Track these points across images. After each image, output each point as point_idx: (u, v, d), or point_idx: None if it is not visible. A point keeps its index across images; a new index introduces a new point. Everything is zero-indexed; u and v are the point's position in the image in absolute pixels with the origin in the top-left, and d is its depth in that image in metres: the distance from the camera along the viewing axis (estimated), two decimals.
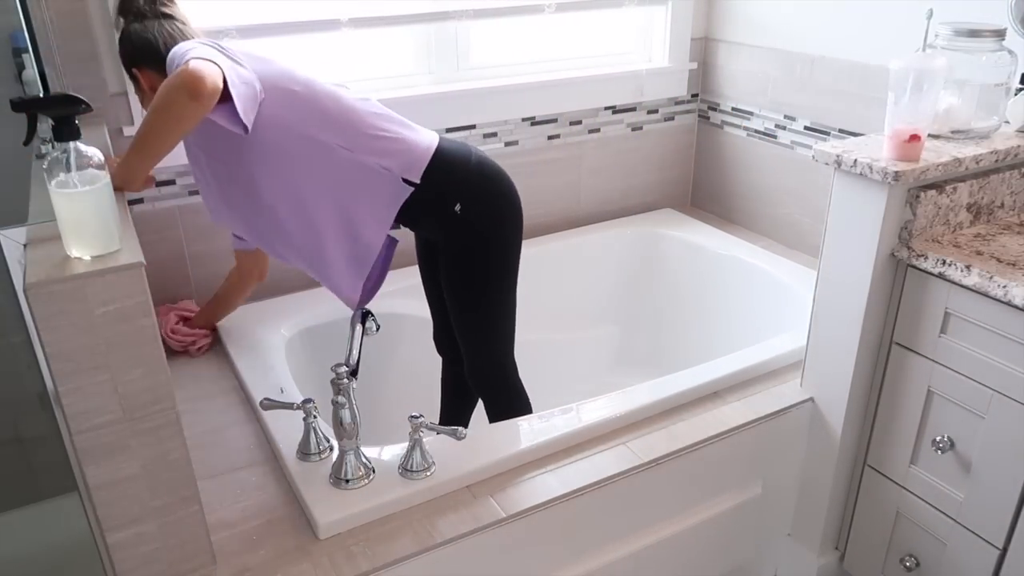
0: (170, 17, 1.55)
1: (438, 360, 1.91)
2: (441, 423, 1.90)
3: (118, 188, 1.26)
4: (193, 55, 1.33)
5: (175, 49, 1.42)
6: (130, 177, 1.39)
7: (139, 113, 1.84)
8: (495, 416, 1.73)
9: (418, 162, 1.51)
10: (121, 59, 1.57)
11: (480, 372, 1.71)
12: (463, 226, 1.56)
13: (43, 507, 1.80)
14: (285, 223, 1.54)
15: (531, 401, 1.76)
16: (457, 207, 1.54)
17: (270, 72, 1.46)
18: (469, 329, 1.67)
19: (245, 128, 1.38)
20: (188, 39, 1.51)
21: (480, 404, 1.80)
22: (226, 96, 1.34)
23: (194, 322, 1.88)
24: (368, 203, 1.52)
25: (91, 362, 1.04)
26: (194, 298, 2.04)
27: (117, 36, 1.59)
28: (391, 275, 2.21)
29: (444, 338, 1.84)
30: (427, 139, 1.55)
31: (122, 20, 1.57)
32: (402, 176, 1.51)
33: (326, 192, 1.50)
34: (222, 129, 1.40)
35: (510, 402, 1.72)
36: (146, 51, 1.52)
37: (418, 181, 1.51)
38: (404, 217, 1.56)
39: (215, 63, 1.33)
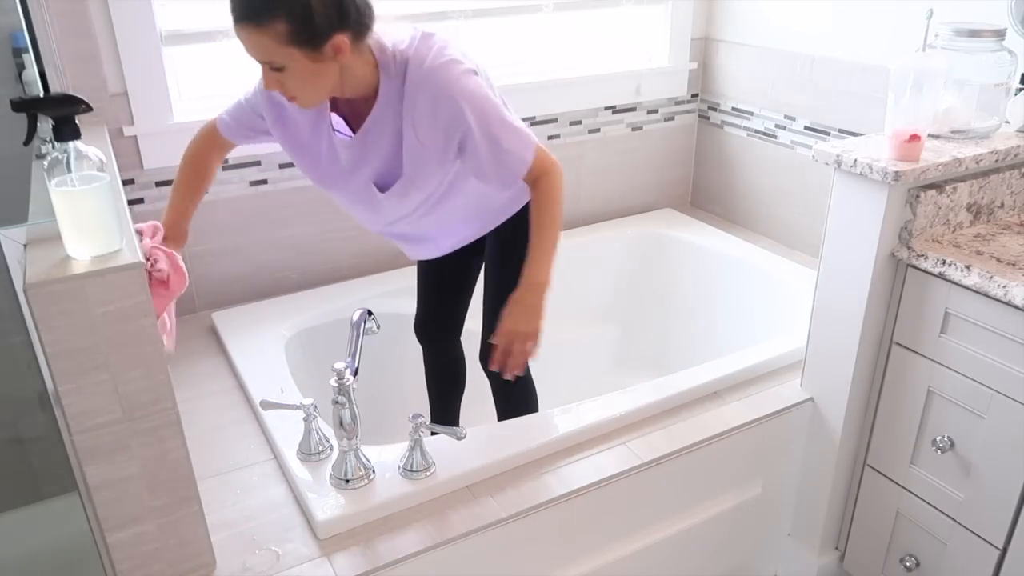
0: None
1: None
2: (432, 414, 1.90)
3: (541, 290, 1.39)
4: (463, 85, 1.32)
5: (440, 48, 1.34)
6: (551, 273, 1.42)
7: (140, 113, 1.84)
8: (503, 403, 1.72)
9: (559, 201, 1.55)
10: (323, 15, 1.20)
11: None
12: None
13: (43, 507, 1.80)
14: (445, 207, 1.53)
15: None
16: None
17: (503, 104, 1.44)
18: (505, 296, 1.66)
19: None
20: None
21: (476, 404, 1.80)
22: None
23: (177, 222, 1.50)
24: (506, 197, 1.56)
25: (91, 362, 1.04)
26: (194, 297, 2.04)
27: None
28: (392, 275, 2.21)
29: (435, 322, 1.82)
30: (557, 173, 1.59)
31: None
32: None
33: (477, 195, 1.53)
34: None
35: (521, 392, 1.72)
36: (364, 13, 1.27)
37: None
38: None
39: (532, 136, 1.39)
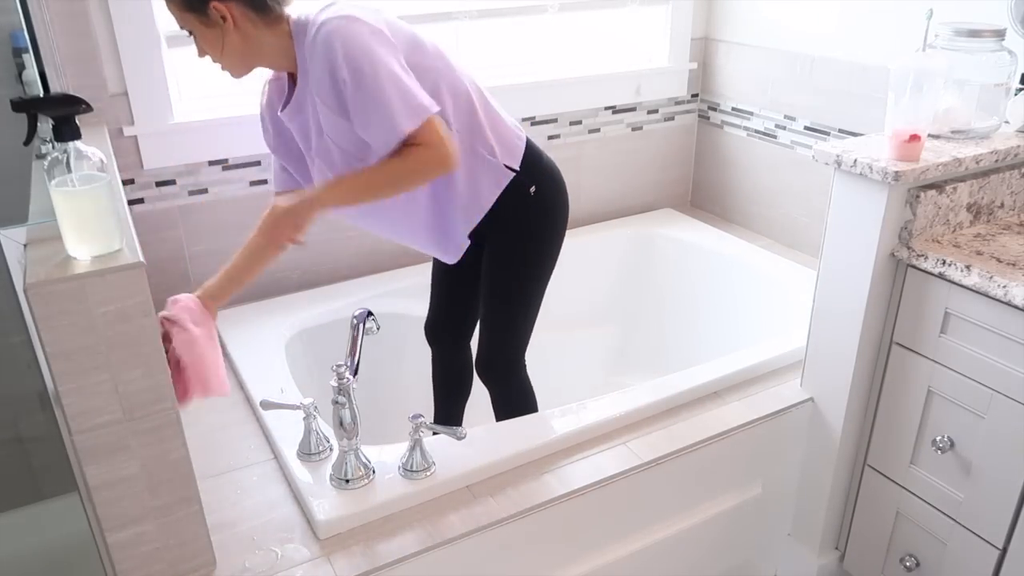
0: None
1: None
2: (436, 416, 1.90)
3: (309, 204, 1.33)
4: (357, 46, 1.30)
5: (337, 7, 1.35)
6: (331, 203, 1.36)
7: (140, 113, 1.84)
8: (502, 411, 1.73)
9: (517, 149, 1.55)
10: None
11: (494, 360, 1.70)
12: (533, 207, 1.59)
13: (43, 507, 1.80)
14: (402, 205, 1.52)
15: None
16: (533, 188, 1.57)
17: (418, 64, 1.42)
18: (500, 315, 1.66)
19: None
20: None
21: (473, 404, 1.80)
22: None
23: (215, 293, 1.45)
24: (477, 189, 1.53)
25: (91, 362, 1.04)
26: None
27: None
28: (392, 275, 2.21)
29: (444, 325, 1.82)
30: (518, 125, 1.59)
31: None
32: (504, 163, 1.53)
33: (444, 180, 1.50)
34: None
35: (518, 397, 1.72)
36: None
37: (518, 168, 1.54)
38: None
39: (423, 104, 1.33)
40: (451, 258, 1.61)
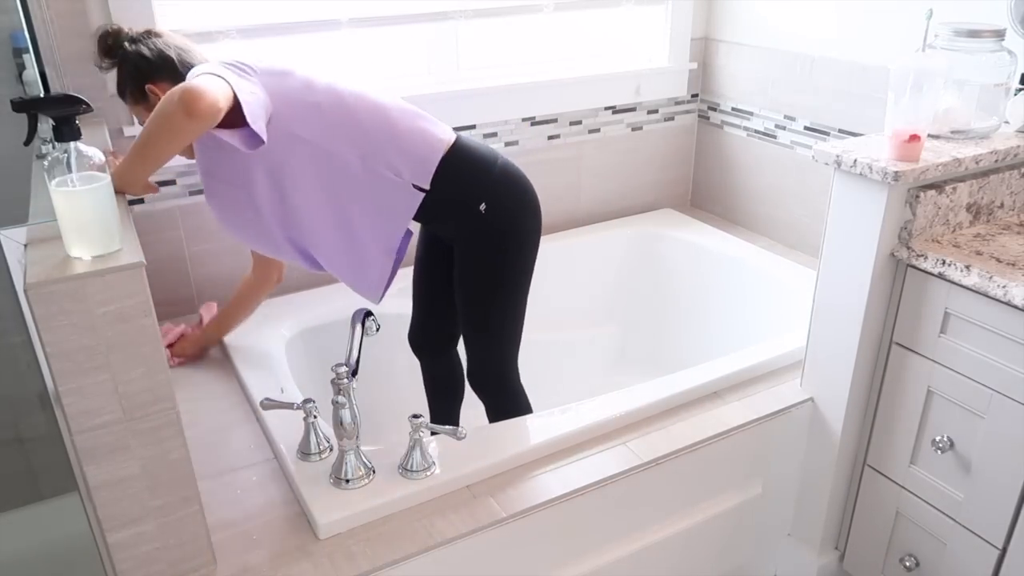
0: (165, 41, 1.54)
1: None
2: (432, 420, 1.90)
3: (117, 190, 1.24)
4: (204, 70, 1.34)
5: (196, 69, 1.40)
6: (128, 180, 1.36)
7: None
8: (495, 418, 1.73)
9: (428, 165, 1.49)
10: (128, 80, 1.53)
11: (482, 374, 1.71)
12: (486, 226, 1.55)
13: (43, 507, 1.80)
14: (305, 233, 1.53)
15: (531, 402, 1.76)
16: (482, 206, 1.53)
17: (290, 87, 1.45)
18: (478, 330, 1.66)
19: (261, 141, 1.37)
20: (198, 58, 1.54)
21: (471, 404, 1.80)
22: (238, 117, 1.34)
23: (204, 337, 1.86)
24: (381, 213, 1.50)
25: (91, 362, 1.04)
26: (194, 297, 2.04)
27: (108, 68, 1.55)
28: None
29: (424, 336, 1.82)
30: (443, 137, 1.52)
31: (117, 50, 1.53)
32: (413, 183, 1.48)
33: (343, 204, 1.49)
34: (236, 152, 1.41)
35: (510, 405, 1.72)
36: (165, 64, 1.51)
37: (427, 187, 1.49)
38: (424, 216, 1.54)
39: (223, 79, 1.33)
40: (373, 295, 1.57)
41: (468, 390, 1.90)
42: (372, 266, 1.54)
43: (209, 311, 1.94)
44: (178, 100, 1.28)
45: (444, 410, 1.90)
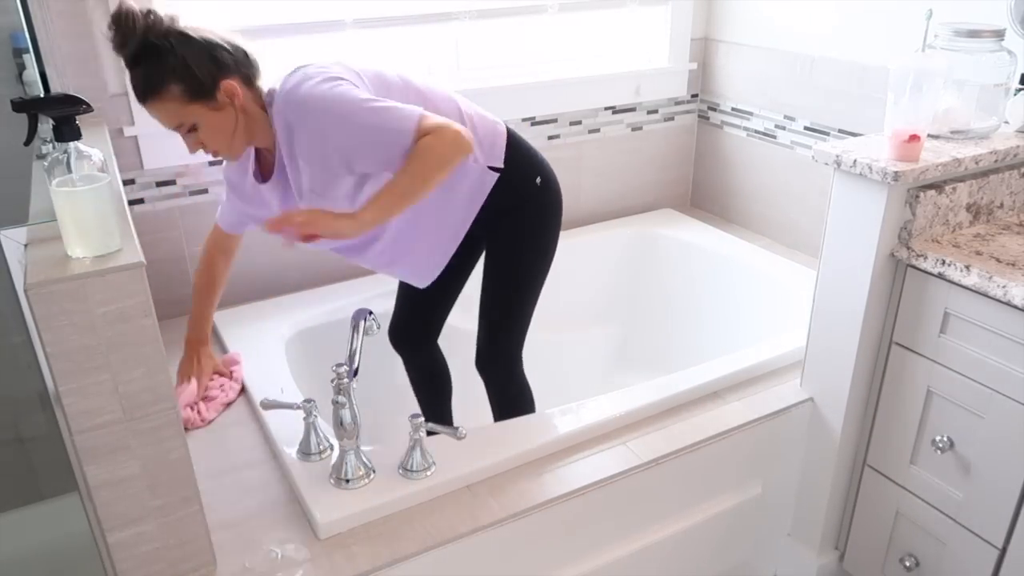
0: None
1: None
2: (425, 418, 1.90)
3: (356, 223, 1.32)
4: (330, 80, 1.36)
5: (303, 72, 1.38)
6: (378, 220, 1.35)
7: (140, 113, 1.84)
8: (500, 407, 1.73)
9: (498, 147, 1.55)
10: (186, 71, 1.31)
11: (497, 357, 1.70)
12: (542, 198, 1.61)
13: (43, 507, 1.80)
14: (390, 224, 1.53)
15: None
16: (538, 180, 1.59)
17: (393, 85, 1.47)
18: (507, 306, 1.66)
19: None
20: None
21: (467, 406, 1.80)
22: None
23: (196, 335, 1.72)
24: (456, 198, 1.53)
25: (91, 362, 1.04)
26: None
27: (136, 55, 1.31)
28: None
29: (408, 330, 1.81)
30: (498, 120, 1.59)
31: (153, 41, 1.30)
32: (488, 164, 1.53)
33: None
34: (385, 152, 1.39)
35: (515, 390, 1.73)
36: (242, 62, 1.38)
37: (502, 166, 1.54)
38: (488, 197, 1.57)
39: (413, 110, 1.36)
40: (425, 280, 1.62)
41: (459, 387, 1.90)
42: (436, 251, 1.58)
43: (236, 364, 1.77)
44: (453, 143, 1.33)
45: (435, 403, 1.89)
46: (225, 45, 1.36)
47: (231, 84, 1.35)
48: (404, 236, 1.56)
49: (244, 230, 1.68)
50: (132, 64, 1.32)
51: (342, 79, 1.38)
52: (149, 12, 1.31)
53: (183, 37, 1.33)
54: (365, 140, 1.36)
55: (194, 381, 1.65)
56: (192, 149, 1.41)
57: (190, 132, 1.37)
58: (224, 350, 1.86)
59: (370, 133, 1.35)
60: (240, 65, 1.38)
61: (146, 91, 1.33)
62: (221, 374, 1.72)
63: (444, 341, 1.88)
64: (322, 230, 1.31)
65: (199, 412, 1.61)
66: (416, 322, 1.82)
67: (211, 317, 1.74)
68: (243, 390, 1.71)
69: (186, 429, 1.52)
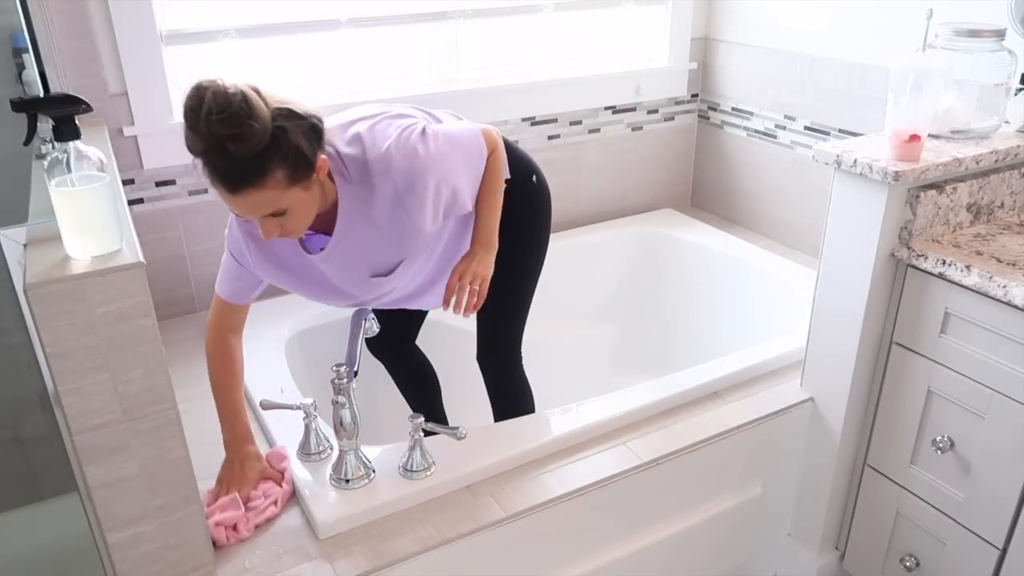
0: None
1: (439, 359, 1.90)
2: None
3: (490, 249, 1.45)
4: (413, 130, 1.36)
5: (365, 145, 1.32)
6: (493, 242, 1.46)
7: (140, 113, 1.84)
8: (501, 403, 1.73)
9: (504, 158, 1.54)
10: (297, 154, 1.17)
11: (496, 351, 1.70)
12: (536, 196, 1.63)
13: (43, 507, 1.80)
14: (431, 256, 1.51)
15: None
16: (534, 178, 1.62)
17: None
18: (505, 302, 1.65)
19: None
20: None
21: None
22: None
23: (233, 433, 1.43)
24: (471, 216, 1.51)
25: (91, 362, 1.04)
26: (194, 297, 2.04)
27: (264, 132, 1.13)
28: None
29: (385, 337, 1.77)
30: (495, 130, 1.58)
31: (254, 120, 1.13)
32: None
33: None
34: None
35: (516, 385, 1.73)
36: (322, 130, 1.25)
37: (509, 176, 1.52)
38: None
39: (476, 129, 1.44)
40: (436, 304, 1.58)
41: (456, 386, 1.90)
42: (440, 277, 1.55)
43: (285, 460, 1.46)
44: (501, 151, 1.45)
45: (424, 402, 1.88)
46: (314, 114, 1.22)
47: (324, 159, 1.23)
48: (449, 264, 1.53)
49: (253, 298, 1.46)
50: (216, 149, 1.12)
51: (423, 131, 1.36)
52: (241, 92, 1.12)
53: (286, 112, 1.17)
54: (472, 176, 1.42)
55: (234, 492, 1.36)
56: (271, 235, 1.23)
57: (274, 216, 1.21)
58: None
59: (471, 168, 1.42)
60: (320, 129, 1.23)
61: (243, 179, 1.14)
62: (269, 477, 1.41)
63: (442, 341, 1.88)
64: (488, 276, 1.44)
65: (236, 530, 1.31)
66: (394, 327, 1.79)
67: (243, 408, 1.44)
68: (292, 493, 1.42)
69: (215, 546, 1.28)
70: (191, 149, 1.15)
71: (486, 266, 1.44)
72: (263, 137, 1.12)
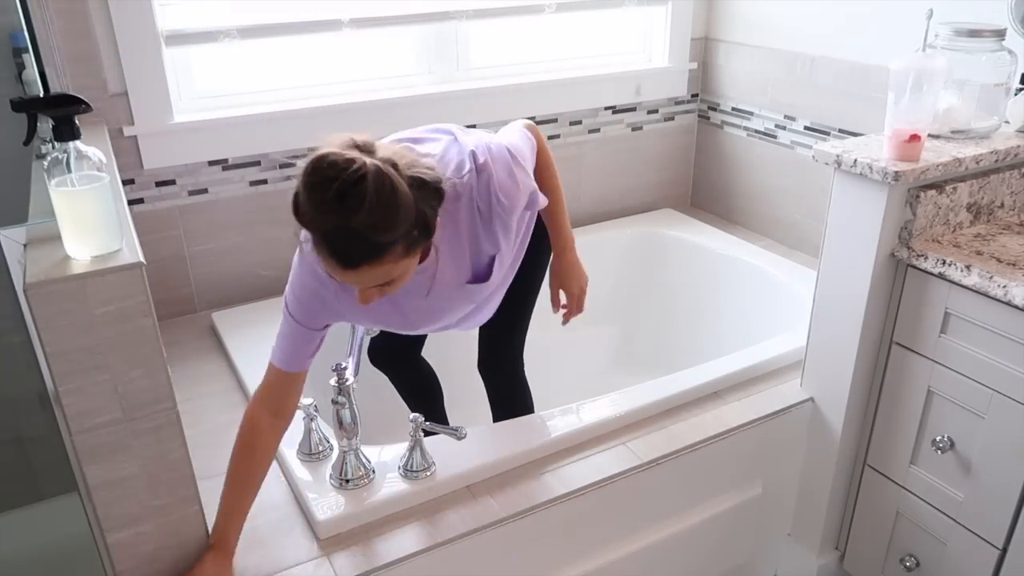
0: None
1: (439, 358, 1.90)
2: None
3: (573, 248, 1.57)
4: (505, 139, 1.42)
5: (446, 156, 1.27)
6: (572, 237, 1.56)
7: (140, 113, 1.84)
8: (501, 408, 1.73)
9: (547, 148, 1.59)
10: (431, 208, 1.09)
11: (500, 358, 1.70)
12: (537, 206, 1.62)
13: (43, 507, 1.80)
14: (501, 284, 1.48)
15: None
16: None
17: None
18: (506, 311, 1.62)
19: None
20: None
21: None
22: None
23: (220, 537, 1.24)
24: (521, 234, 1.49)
25: (91, 362, 1.04)
26: (194, 297, 2.04)
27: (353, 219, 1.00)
28: None
29: (393, 350, 1.76)
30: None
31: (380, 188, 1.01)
32: None
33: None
34: None
35: (519, 388, 1.72)
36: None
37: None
38: None
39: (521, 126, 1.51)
40: (480, 323, 1.55)
41: (457, 387, 1.90)
42: (500, 292, 1.48)
43: None
44: (541, 137, 1.51)
45: (427, 408, 1.87)
46: (436, 174, 1.11)
47: (439, 221, 1.12)
48: (522, 252, 1.50)
49: (310, 362, 1.34)
50: (344, 230, 1.00)
51: (518, 164, 1.36)
52: (381, 173, 1.00)
53: (418, 182, 1.06)
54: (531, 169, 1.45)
55: None
56: (370, 300, 1.13)
57: (380, 287, 1.11)
58: (224, 349, 1.85)
59: (522, 175, 1.39)
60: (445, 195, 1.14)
61: (363, 258, 1.03)
62: None
63: (442, 341, 1.87)
64: (587, 282, 1.60)
65: None
66: (394, 344, 1.76)
67: (245, 516, 1.27)
68: None
69: None
70: (307, 226, 1.03)
71: (581, 271, 1.61)
72: (408, 222, 1.02)
